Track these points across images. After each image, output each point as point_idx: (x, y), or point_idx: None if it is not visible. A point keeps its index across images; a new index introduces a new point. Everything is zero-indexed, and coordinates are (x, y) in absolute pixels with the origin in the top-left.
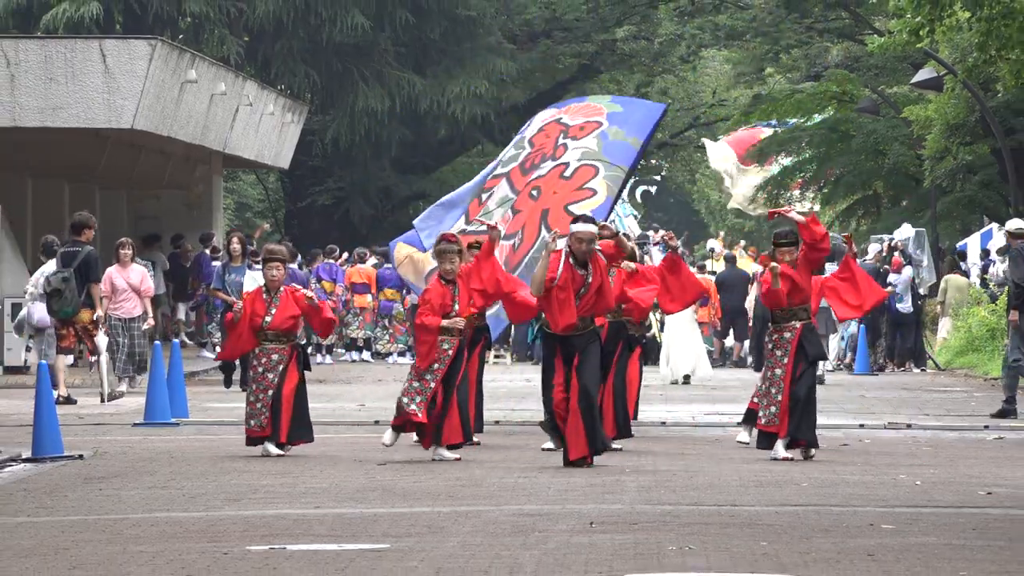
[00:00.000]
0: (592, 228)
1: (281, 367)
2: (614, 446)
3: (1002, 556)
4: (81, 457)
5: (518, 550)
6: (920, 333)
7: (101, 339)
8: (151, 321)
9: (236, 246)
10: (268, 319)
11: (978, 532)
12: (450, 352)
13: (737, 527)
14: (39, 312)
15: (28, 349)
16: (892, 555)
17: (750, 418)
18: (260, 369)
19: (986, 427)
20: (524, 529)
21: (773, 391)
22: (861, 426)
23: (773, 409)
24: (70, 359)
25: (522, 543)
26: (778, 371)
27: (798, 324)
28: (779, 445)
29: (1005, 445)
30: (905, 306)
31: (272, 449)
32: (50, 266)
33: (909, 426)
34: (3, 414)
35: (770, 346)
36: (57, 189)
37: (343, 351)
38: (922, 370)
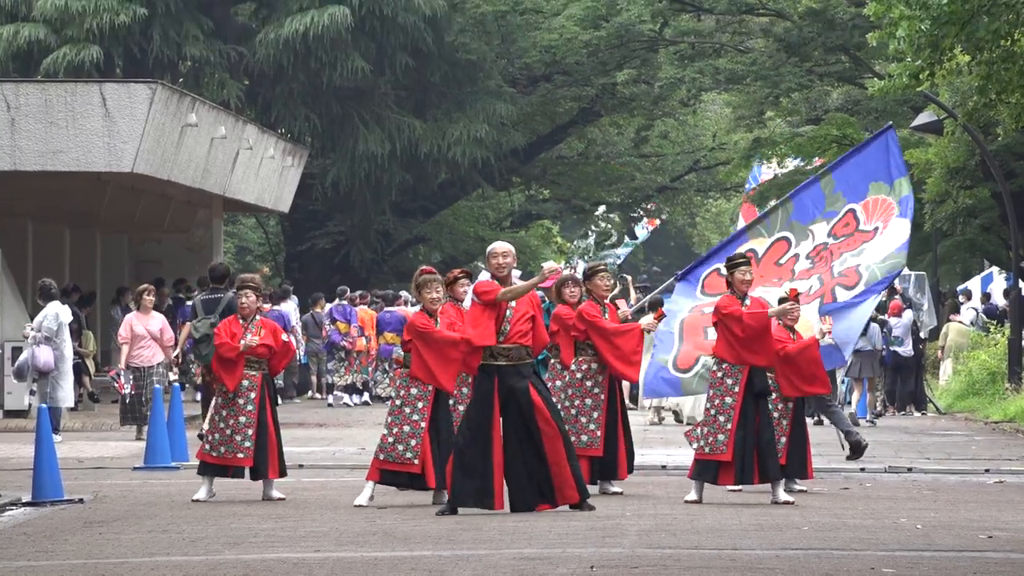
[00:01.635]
0: (504, 245)
1: (252, 394)
2: (615, 489)
3: None
4: (81, 501)
5: None
6: (921, 377)
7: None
8: (176, 371)
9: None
10: (243, 343)
11: None
12: (430, 387)
13: (738, 571)
14: (44, 356)
15: (32, 393)
16: None
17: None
18: (229, 395)
19: (987, 471)
20: (525, 573)
21: (722, 419)
22: (862, 470)
23: (721, 437)
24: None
25: None
26: (728, 400)
27: None
28: (779, 489)
29: (1006, 489)
30: (906, 349)
31: (276, 493)
32: (52, 308)
33: (910, 470)
34: (3, 458)
35: (719, 374)
36: (58, 233)
37: (341, 394)
38: (923, 414)
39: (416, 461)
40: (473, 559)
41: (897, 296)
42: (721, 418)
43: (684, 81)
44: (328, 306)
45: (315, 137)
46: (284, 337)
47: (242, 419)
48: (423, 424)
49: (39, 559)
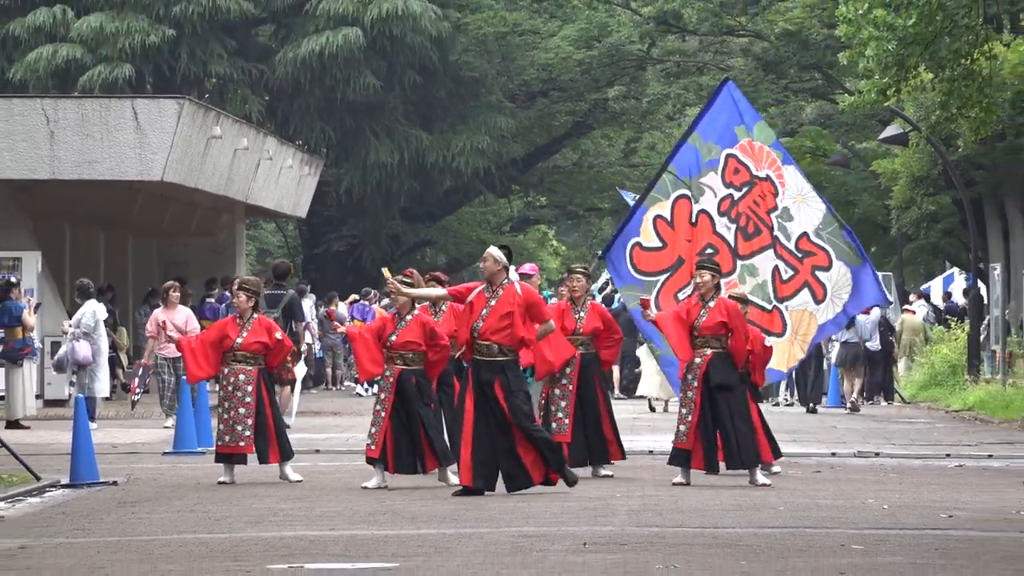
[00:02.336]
0: (492, 250)
1: (250, 387)
2: (605, 472)
3: (963, 574)
4: (115, 483)
5: (517, 568)
6: (889, 369)
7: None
8: None
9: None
10: (239, 341)
11: (940, 552)
12: (391, 379)
13: (719, 548)
14: (82, 350)
15: (71, 384)
16: (861, 573)
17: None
18: (229, 388)
19: (948, 455)
20: (523, 549)
21: (684, 411)
22: (833, 454)
23: (683, 428)
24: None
25: (521, 562)
26: (689, 394)
27: (709, 352)
28: (758, 472)
29: (965, 472)
30: (874, 344)
31: (292, 475)
32: (90, 306)
33: (877, 454)
34: (43, 443)
35: (684, 371)
36: (93, 237)
37: (354, 385)
38: (889, 403)
39: (374, 447)
40: (475, 536)
41: None
42: (683, 411)
43: (670, 97)
44: (341, 305)
45: (330, 148)
46: (278, 335)
47: (242, 410)
48: (383, 414)
49: (76, 536)
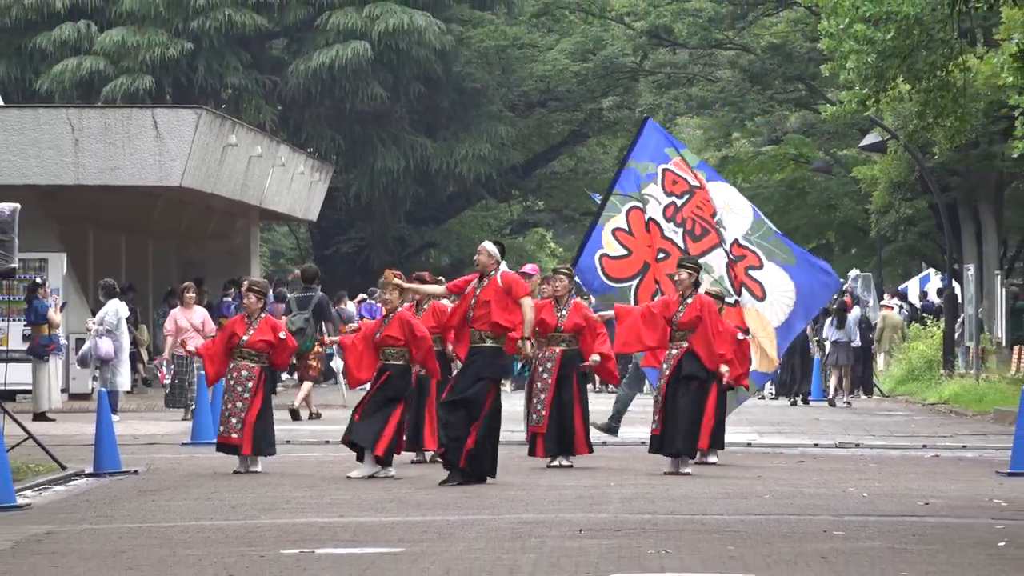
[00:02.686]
0: (487, 244)
1: (250, 384)
2: (565, 463)
3: (938, 559)
4: (136, 472)
5: (517, 553)
6: (869, 364)
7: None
8: None
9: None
10: (245, 338)
11: (918, 538)
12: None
13: (707, 533)
14: (105, 347)
15: (95, 379)
16: (843, 558)
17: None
18: (231, 382)
19: (924, 446)
20: (522, 535)
21: (658, 398)
22: (815, 445)
23: (656, 416)
24: (308, 385)
25: (520, 547)
26: (661, 382)
27: (685, 345)
28: (689, 463)
29: (940, 462)
30: (855, 341)
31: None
32: (113, 305)
33: (857, 445)
34: (68, 435)
35: (661, 362)
36: (115, 240)
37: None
38: (869, 397)
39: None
40: (477, 523)
41: (847, 294)
42: (658, 397)
43: (661, 106)
44: (351, 303)
45: (339, 155)
46: (281, 335)
47: (239, 404)
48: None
49: (99, 523)
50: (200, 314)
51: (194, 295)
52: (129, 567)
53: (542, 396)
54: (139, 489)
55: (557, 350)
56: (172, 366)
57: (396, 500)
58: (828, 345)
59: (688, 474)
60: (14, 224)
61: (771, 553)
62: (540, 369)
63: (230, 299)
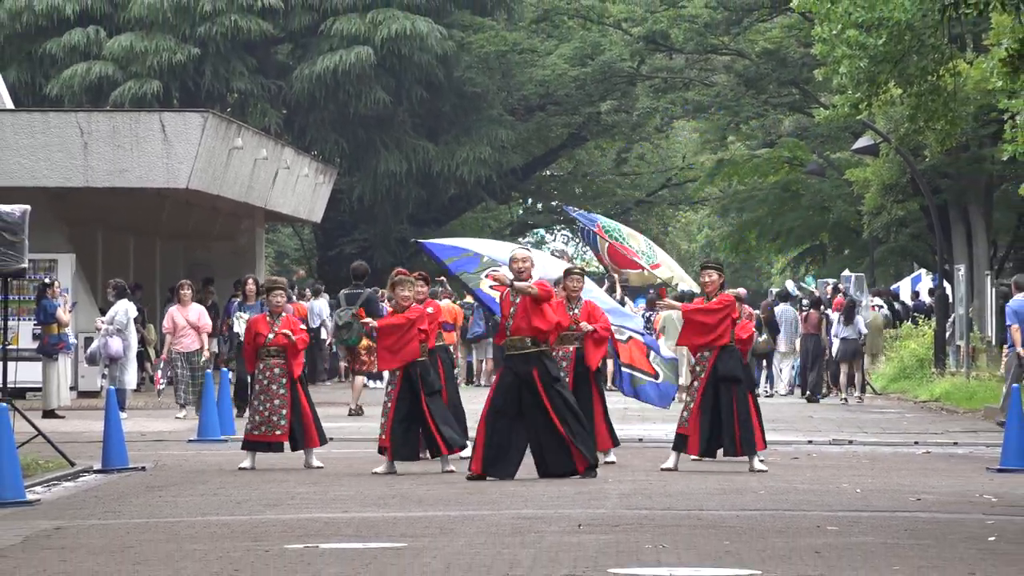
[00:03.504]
0: (521, 252)
1: (284, 379)
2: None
3: (929, 553)
4: (144, 469)
5: (517, 548)
6: (861, 362)
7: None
8: (207, 353)
9: (251, 287)
10: (270, 336)
11: (909, 533)
12: (397, 373)
13: (704, 528)
14: (115, 345)
15: (103, 376)
16: (836, 552)
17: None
18: (265, 381)
19: (916, 443)
20: (522, 530)
21: (688, 399)
22: (810, 442)
23: (686, 414)
24: (360, 380)
25: (520, 542)
26: (696, 383)
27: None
28: (755, 459)
29: (932, 458)
30: (862, 339)
31: (315, 461)
32: (122, 304)
33: (851, 442)
34: (77, 432)
35: (692, 363)
36: (123, 240)
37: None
38: (863, 395)
39: (384, 436)
40: (478, 518)
41: (840, 294)
42: (688, 398)
43: (658, 110)
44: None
45: (343, 158)
46: (292, 337)
47: (276, 401)
48: (389, 405)
49: (108, 518)
50: (196, 310)
51: (190, 292)
52: (137, 562)
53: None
54: (146, 485)
55: (571, 348)
56: (169, 363)
57: (398, 496)
58: (836, 341)
59: (764, 471)
60: (24, 225)
61: (766, 548)
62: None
63: (238, 300)
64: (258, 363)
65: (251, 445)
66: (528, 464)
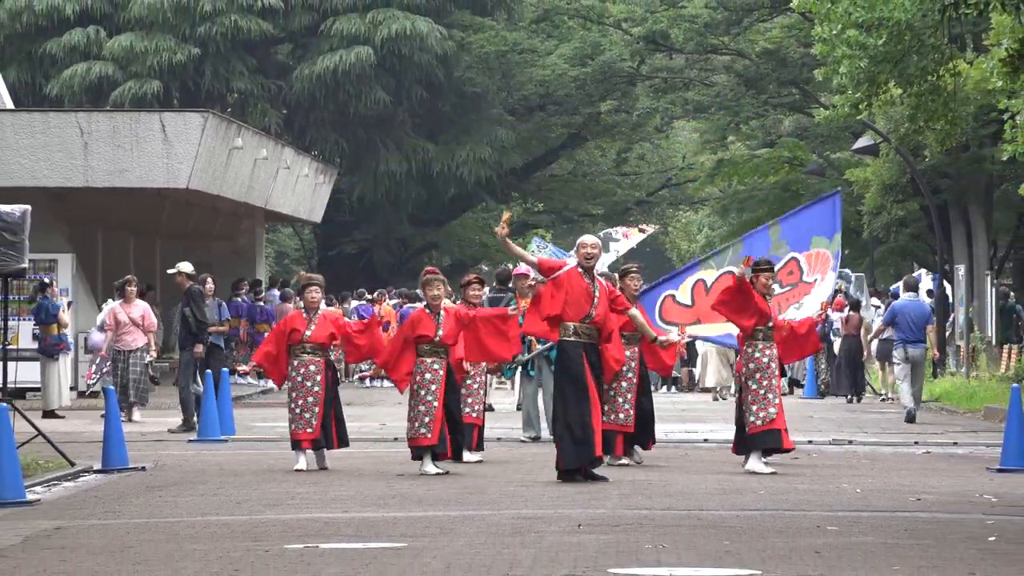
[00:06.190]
0: (592, 238)
1: (319, 377)
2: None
3: (929, 553)
4: (144, 469)
5: (517, 548)
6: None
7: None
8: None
9: (210, 285)
10: (308, 333)
11: (909, 533)
12: (441, 372)
13: (704, 528)
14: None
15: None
16: (836, 552)
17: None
18: (299, 379)
19: (916, 443)
20: (522, 530)
21: (771, 396)
22: (810, 442)
23: (772, 411)
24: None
25: (520, 542)
26: (773, 381)
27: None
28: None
29: (931, 458)
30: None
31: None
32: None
33: (851, 442)
34: (77, 432)
35: (752, 366)
36: (123, 240)
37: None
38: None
39: (430, 435)
40: (478, 518)
41: (840, 294)
42: (770, 395)
43: (658, 111)
44: (354, 303)
45: (343, 158)
46: (347, 327)
47: (310, 399)
48: (436, 403)
49: (108, 518)
50: (140, 308)
51: (135, 289)
52: (136, 562)
53: (628, 396)
54: (146, 485)
55: (637, 349)
56: (108, 364)
57: (398, 496)
58: (876, 343)
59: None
60: (24, 225)
61: (766, 548)
62: (624, 369)
63: (240, 299)
64: (292, 360)
65: (295, 444)
66: (528, 464)
